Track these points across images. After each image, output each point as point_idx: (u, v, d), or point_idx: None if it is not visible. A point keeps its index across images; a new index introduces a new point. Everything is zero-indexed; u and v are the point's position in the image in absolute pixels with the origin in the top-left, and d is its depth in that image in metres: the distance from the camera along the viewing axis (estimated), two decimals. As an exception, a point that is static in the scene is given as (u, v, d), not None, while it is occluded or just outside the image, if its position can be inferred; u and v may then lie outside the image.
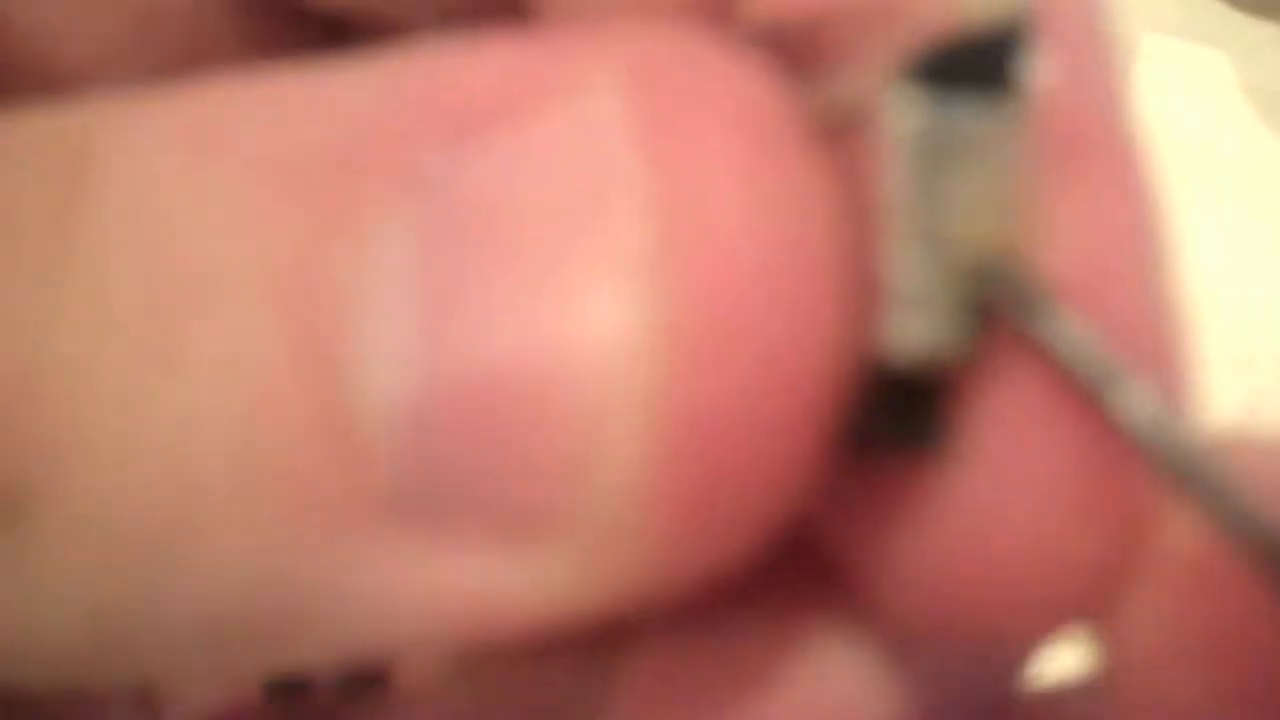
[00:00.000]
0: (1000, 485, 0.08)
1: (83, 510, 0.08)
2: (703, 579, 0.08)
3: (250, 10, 0.12)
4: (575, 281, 0.07)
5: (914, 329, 0.08)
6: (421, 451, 0.08)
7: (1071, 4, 0.09)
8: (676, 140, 0.07)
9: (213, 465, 0.08)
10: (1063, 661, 0.10)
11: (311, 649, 0.08)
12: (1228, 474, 0.08)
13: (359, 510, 0.07)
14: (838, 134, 0.08)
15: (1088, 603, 0.09)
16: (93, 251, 0.08)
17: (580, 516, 0.07)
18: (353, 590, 0.08)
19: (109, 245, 0.08)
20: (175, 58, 0.12)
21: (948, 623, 0.09)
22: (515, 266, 0.07)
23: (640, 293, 0.07)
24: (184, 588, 0.08)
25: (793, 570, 0.10)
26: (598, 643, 0.10)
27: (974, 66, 0.08)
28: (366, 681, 0.12)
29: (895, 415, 0.08)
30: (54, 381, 0.08)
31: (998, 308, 0.08)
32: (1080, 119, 0.09)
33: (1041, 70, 0.09)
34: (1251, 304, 0.49)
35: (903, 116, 0.08)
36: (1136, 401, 0.08)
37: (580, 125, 0.07)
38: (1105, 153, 0.09)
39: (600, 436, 0.07)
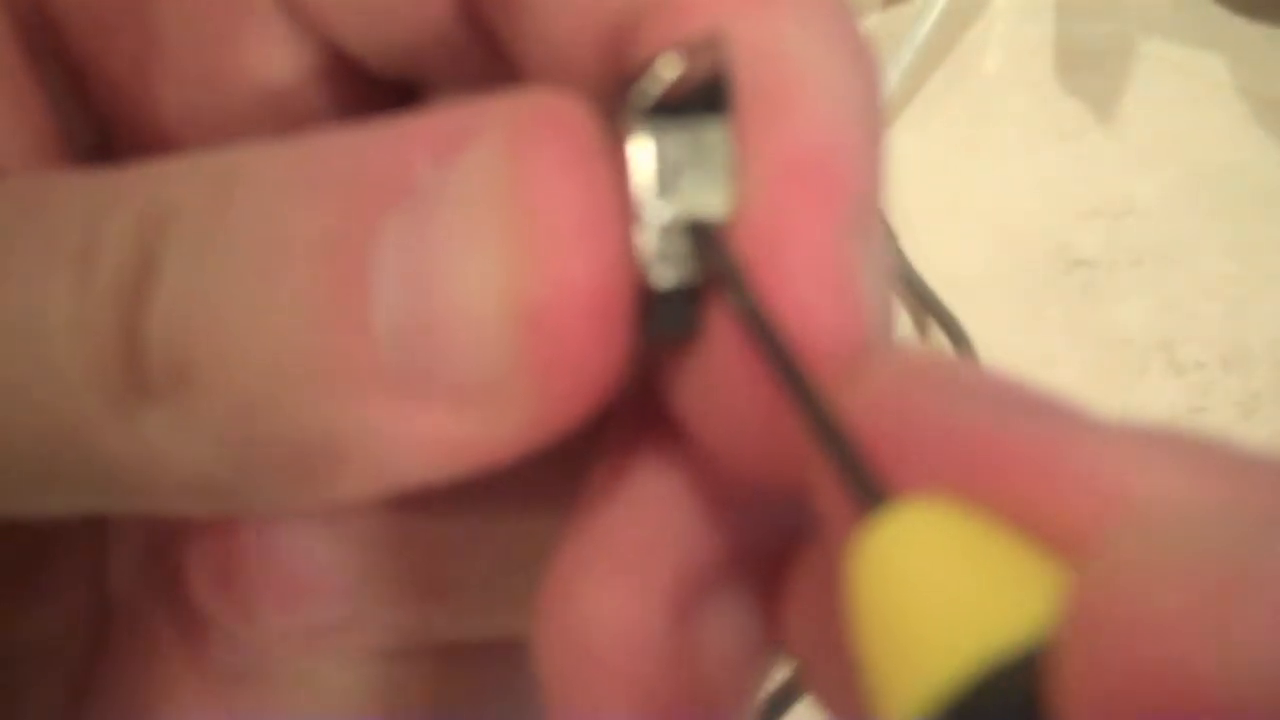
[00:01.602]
0: (722, 357, 0.14)
1: (220, 380, 0.13)
2: (564, 428, 0.13)
3: (335, 80, 0.18)
4: (472, 249, 0.13)
5: (664, 263, 0.14)
6: (404, 350, 0.13)
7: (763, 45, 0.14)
8: (532, 157, 0.13)
9: (292, 354, 0.13)
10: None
11: (348, 480, 0.14)
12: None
13: (372, 380, 0.13)
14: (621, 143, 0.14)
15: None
16: (235, 227, 0.13)
17: (483, 385, 0.13)
18: (371, 434, 0.13)
19: (239, 227, 0.13)
20: (272, 121, 0.18)
21: (724, 439, 0.14)
22: (449, 243, 0.13)
23: (501, 254, 0.13)
24: (278, 431, 0.13)
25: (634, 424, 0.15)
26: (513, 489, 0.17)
27: (692, 101, 0.14)
28: None
29: (666, 317, 0.14)
30: (210, 303, 0.13)
31: (713, 260, 0.14)
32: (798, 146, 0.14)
33: (731, 99, 0.14)
34: (1247, 305, 0.49)
35: (638, 139, 0.14)
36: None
37: (489, 150, 0.13)
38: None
39: (489, 337, 0.13)
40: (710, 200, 0.14)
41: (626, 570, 0.15)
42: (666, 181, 0.14)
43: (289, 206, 0.13)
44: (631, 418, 0.15)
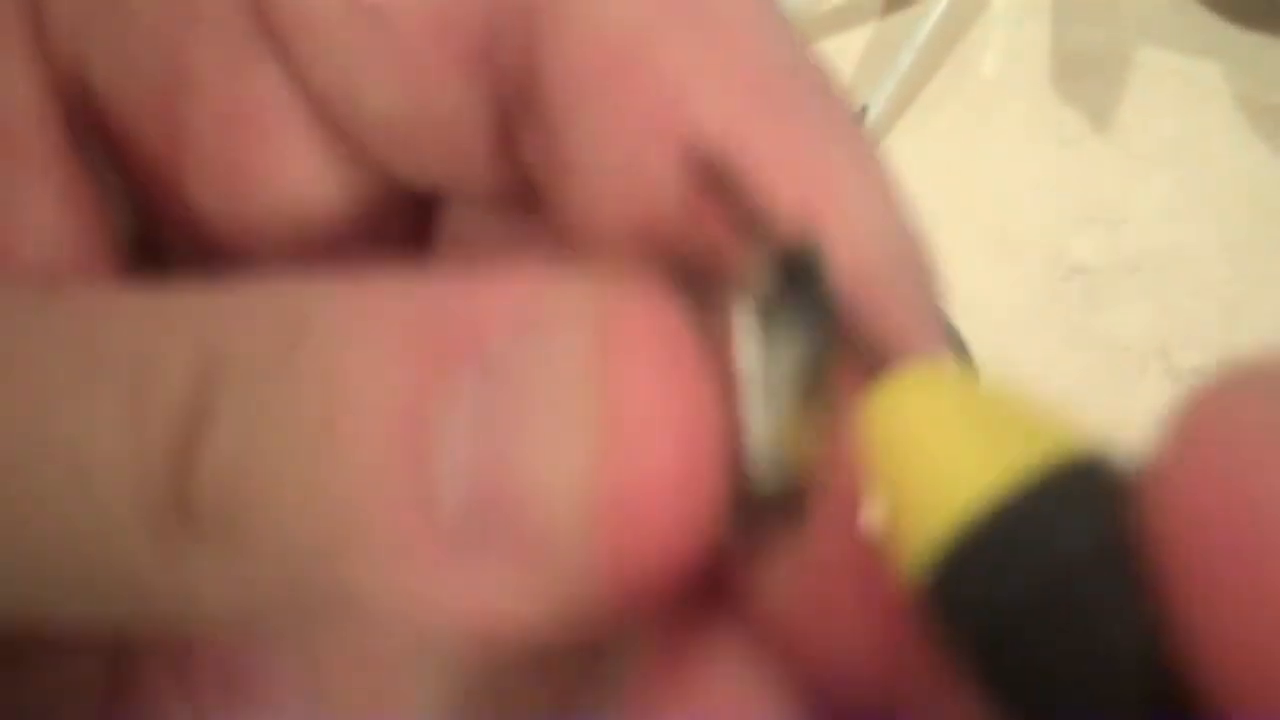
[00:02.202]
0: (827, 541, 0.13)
1: (270, 532, 0.13)
2: (632, 605, 0.13)
3: (361, 189, 0.18)
4: (548, 438, 0.13)
5: (772, 467, 0.13)
6: (466, 519, 0.13)
7: (860, 186, 0.14)
8: (618, 355, 0.13)
9: (352, 515, 0.13)
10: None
11: (384, 631, 0.13)
12: None
13: (428, 547, 0.13)
14: (718, 338, 0.13)
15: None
16: (297, 378, 0.13)
17: (549, 577, 0.13)
18: (415, 599, 0.13)
19: (312, 377, 0.13)
20: (314, 234, 0.18)
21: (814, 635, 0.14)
22: (526, 420, 0.13)
23: (583, 452, 0.13)
24: (322, 587, 0.13)
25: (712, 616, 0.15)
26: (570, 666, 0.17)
27: (792, 278, 0.13)
28: None
29: (765, 520, 0.13)
30: (266, 450, 0.13)
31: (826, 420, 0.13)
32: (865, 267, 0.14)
33: (829, 280, 0.13)
34: (1244, 310, 0.49)
35: (747, 337, 0.13)
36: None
37: (572, 336, 0.13)
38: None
39: (562, 516, 0.13)
40: (814, 405, 0.13)
41: None
42: (772, 384, 0.13)
43: (354, 362, 0.13)
44: (688, 611, 0.15)
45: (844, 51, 0.54)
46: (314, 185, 0.17)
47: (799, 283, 0.13)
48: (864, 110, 0.51)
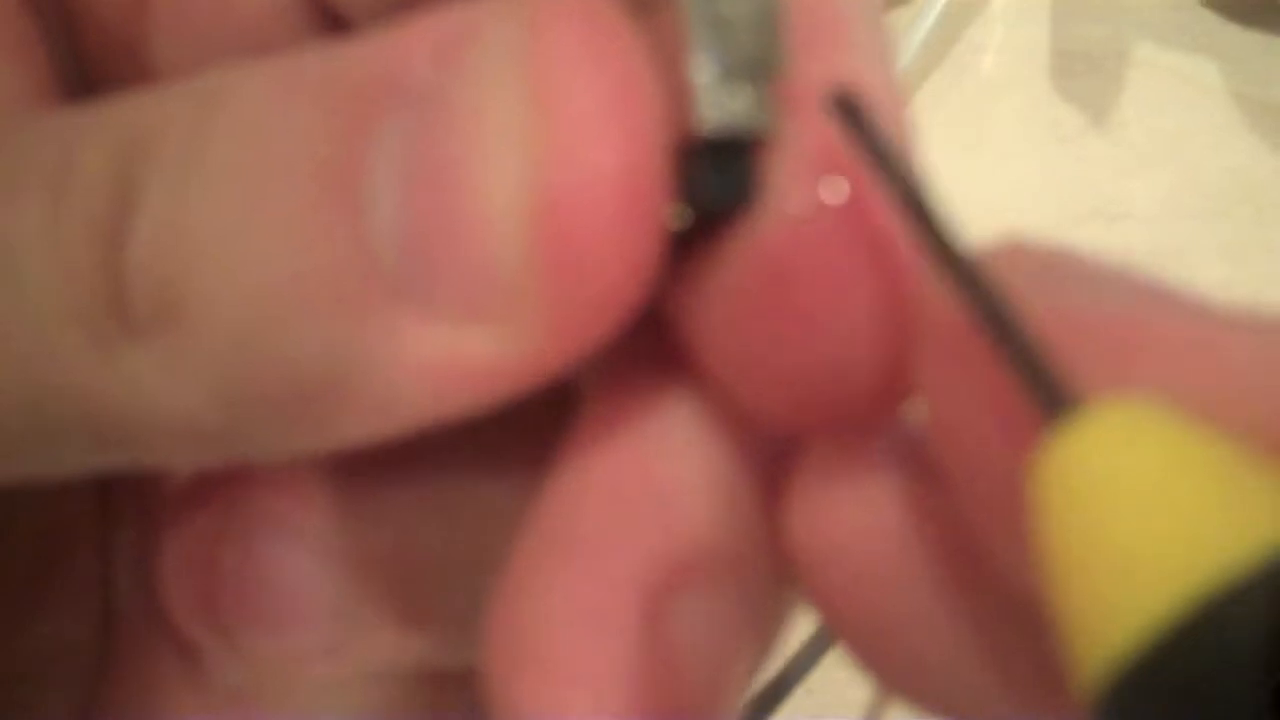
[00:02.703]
0: (789, 233, 0.12)
1: (209, 312, 0.12)
2: (590, 336, 0.12)
3: (299, 12, 0.17)
4: (485, 144, 0.12)
5: (718, 107, 0.12)
6: (406, 260, 0.12)
7: None
8: (547, 45, 0.12)
9: (286, 276, 0.12)
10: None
11: (350, 417, 0.12)
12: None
13: (373, 296, 0.12)
14: (658, 9, 0.12)
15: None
16: (218, 149, 0.12)
17: (497, 293, 0.12)
18: (372, 358, 0.12)
19: (228, 146, 0.12)
20: (236, 47, 0.17)
21: (758, 356, 0.13)
22: (453, 145, 0.12)
23: (519, 148, 0.12)
24: (273, 363, 0.12)
25: (646, 358, 0.14)
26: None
27: None
28: None
29: (716, 176, 0.12)
30: (195, 231, 0.12)
31: (776, 98, 0.12)
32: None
33: None
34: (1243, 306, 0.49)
35: None
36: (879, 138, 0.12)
37: (494, 43, 0.12)
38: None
39: (499, 240, 0.12)
40: (764, 47, 0.12)
41: (594, 554, 0.13)
42: (716, 33, 0.12)
43: (274, 121, 0.12)
44: (623, 375, 0.14)
45: (844, 48, 0.54)
46: (270, 21, 0.17)
47: None
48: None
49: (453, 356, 0.12)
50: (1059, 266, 0.12)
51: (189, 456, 0.13)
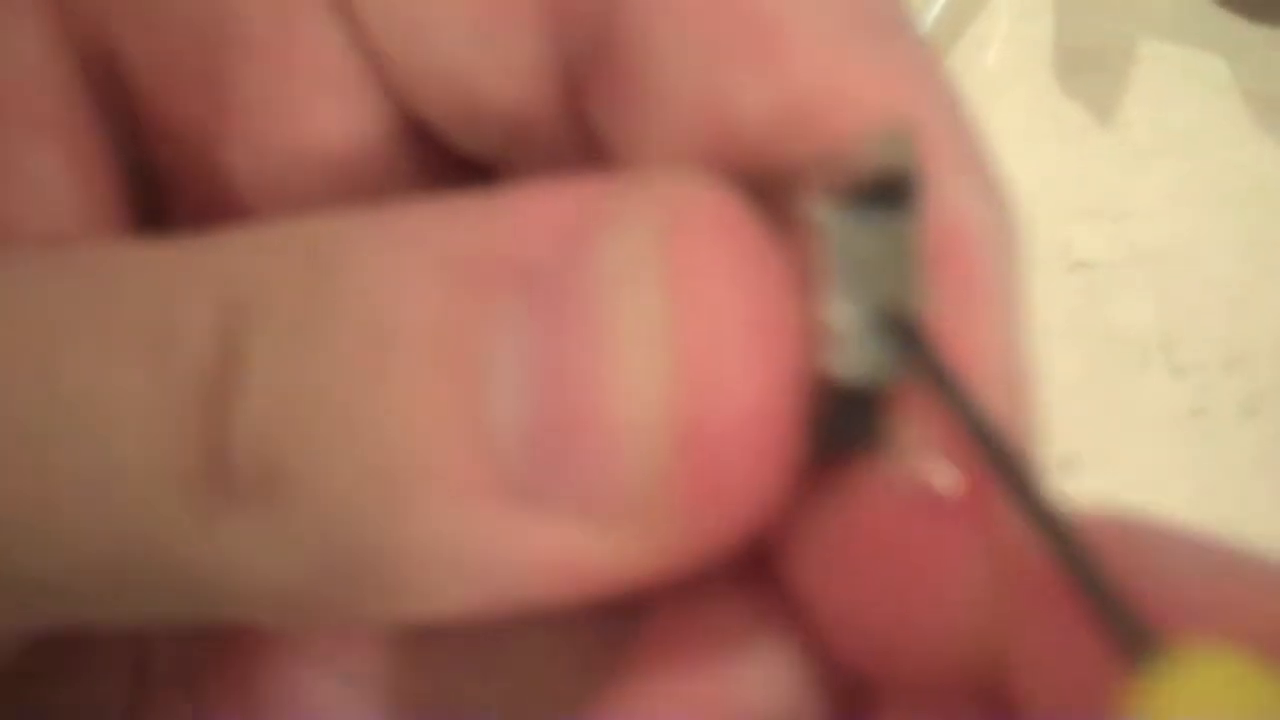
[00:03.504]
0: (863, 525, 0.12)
1: (315, 485, 0.12)
2: (708, 556, 0.12)
3: (412, 151, 0.16)
4: (616, 355, 0.11)
5: (851, 356, 0.12)
6: (528, 454, 0.11)
7: (959, 150, 0.14)
8: (683, 255, 0.12)
9: (403, 458, 0.11)
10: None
11: (446, 597, 0.12)
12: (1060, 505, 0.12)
13: (489, 487, 0.11)
14: (793, 236, 0.12)
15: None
16: (331, 314, 0.12)
17: (625, 500, 0.11)
18: (481, 548, 0.12)
19: (342, 311, 0.12)
20: (345, 188, 0.16)
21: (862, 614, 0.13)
22: (584, 340, 0.11)
23: (655, 364, 0.11)
24: (376, 543, 0.12)
25: (749, 580, 0.14)
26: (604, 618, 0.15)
27: (882, 190, 0.12)
28: None
29: (848, 425, 0.12)
30: (304, 400, 0.12)
31: (909, 346, 0.12)
32: (959, 233, 0.13)
33: (922, 194, 0.12)
34: (1249, 306, 0.49)
35: (828, 220, 0.12)
36: (977, 416, 0.12)
37: (628, 242, 0.12)
38: (968, 258, 0.14)
39: (635, 448, 0.11)
40: (901, 296, 0.12)
41: None
42: (853, 274, 0.12)
43: (391, 292, 0.12)
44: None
45: (846, 44, 0.54)
46: (364, 143, 0.16)
47: (887, 174, 0.12)
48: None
49: (567, 555, 0.12)
50: (1152, 536, 0.12)
51: (279, 620, 0.13)
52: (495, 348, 0.12)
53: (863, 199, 0.12)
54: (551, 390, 0.11)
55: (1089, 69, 0.54)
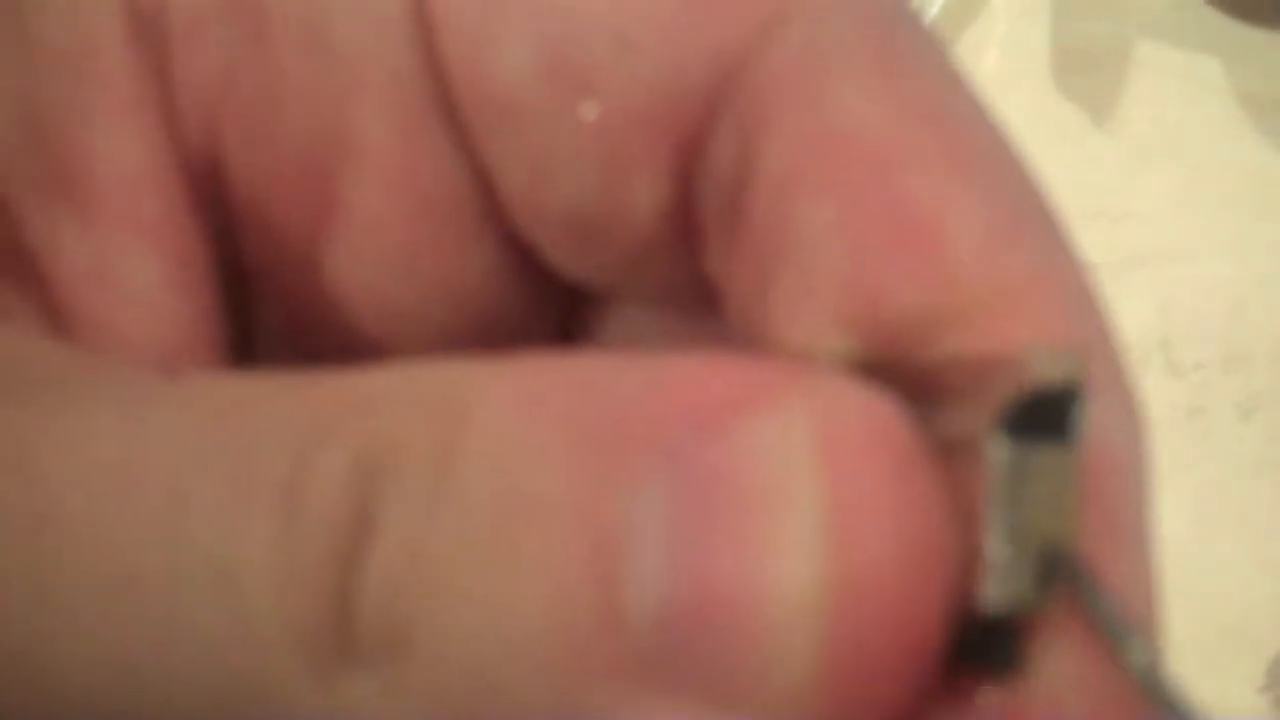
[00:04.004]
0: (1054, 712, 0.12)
1: (440, 649, 0.11)
2: None
3: (514, 273, 0.16)
4: (769, 543, 0.11)
5: (1001, 588, 0.12)
6: (662, 634, 0.11)
7: (1106, 368, 0.14)
8: (842, 459, 0.11)
9: (529, 626, 0.11)
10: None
11: None
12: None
13: (620, 663, 0.11)
14: (951, 452, 0.12)
15: None
16: (465, 479, 0.12)
17: (764, 694, 0.11)
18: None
19: (475, 476, 0.12)
20: (460, 323, 0.16)
21: None
22: (732, 525, 0.11)
23: (812, 558, 0.11)
24: (497, 708, 0.11)
25: None
26: None
27: (1047, 413, 0.12)
28: None
29: (987, 648, 0.12)
30: (435, 565, 0.11)
31: (1058, 575, 0.12)
32: (1105, 459, 0.13)
33: (1087, 418, 0.12)
34: (1246, 306, 0.49)
35: (997, 450, 0.12)
36: (1140, 654, 0.12)
37: (784, 435, 0.11)
38: (1119, 489, 0.14)
39: (778, 645, 0.11)
40: (1058, 529, 0.12)
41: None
42: (1015, 507, 0.12)
43: (526, 455, 0.12)
44: None
45: (844, 47, 0.54)
46: (476, 271, 0.16)
47: (1054, 415, 0.12)
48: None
49: None
50: None
51: None
52: (634, 527, 0.11)
53: (1025, 422, 0.12)
54: (690, 574, 0.11)
55: (1086, 71, 0.54)
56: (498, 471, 0.12)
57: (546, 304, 0.17)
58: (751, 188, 0.14)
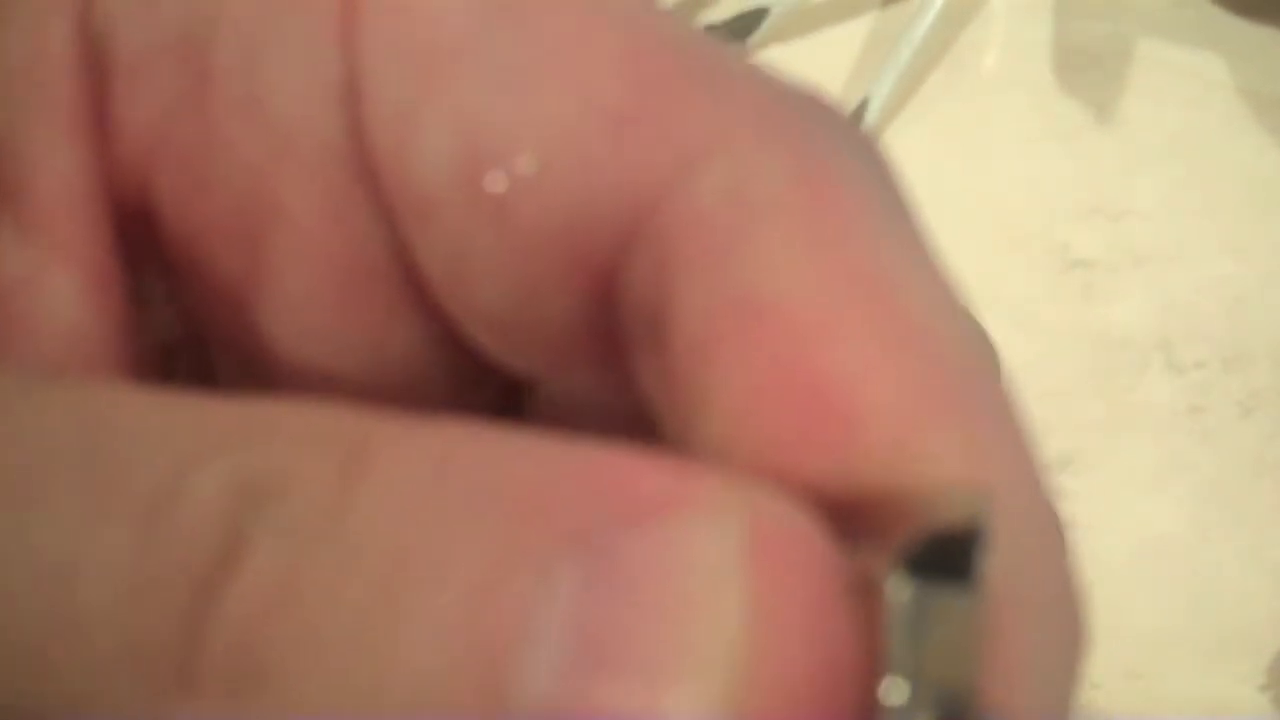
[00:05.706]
0: None
1: (291, 694, 0.11)
2: None
3: (447, 356, 0.16)
4: (680, 666, 0.11)
5: None
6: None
7: (1019, 499, 0.13)
8: (770, 579, 0.11)
9: (396, 700, 0.10)
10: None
11: None
12: None
13: None
14: (865, 589, 0.12)
15: None
16: (356, 525, 0.11)
17: None
18: None
19: (367, 521, 0.11)
20: (390, 393, 0.16)
21: None
22: (643, 633, 0.11)
23: (724, 688, 0.11)
24: None
25: None
26: None
27: (949, 554, 0.12)
28: None
29: None
30: (304, 605, 0.11)
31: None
32: (1015, 599, 0.13)
33: (989, 561, 0.12)
34: (1247, 305, 0.49)
35: (898, 591, 0.12)
36: None
37: (716, 542, 0.11)
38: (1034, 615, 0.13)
39: None
40: (960, 675, 0.12)
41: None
42: (916, 653, 0.12)
43: (424, 516, 0.11)
44: None
45: (843, 43, 0.54)
46: (401, 348, 0.16)
47: (958, 555, 0.12)
48: (865, 103, 0.50)
49: None
50: None
51: None
52: (533, 614, 0.11)
53: (927, 563, 0.12)
54: (587, 690, 0.11)
55: (1087, 68, 0.54)
56: (392, 522, 0.11)
57: (479, 379, 0.16)
58: (670, 331, 0.14)
